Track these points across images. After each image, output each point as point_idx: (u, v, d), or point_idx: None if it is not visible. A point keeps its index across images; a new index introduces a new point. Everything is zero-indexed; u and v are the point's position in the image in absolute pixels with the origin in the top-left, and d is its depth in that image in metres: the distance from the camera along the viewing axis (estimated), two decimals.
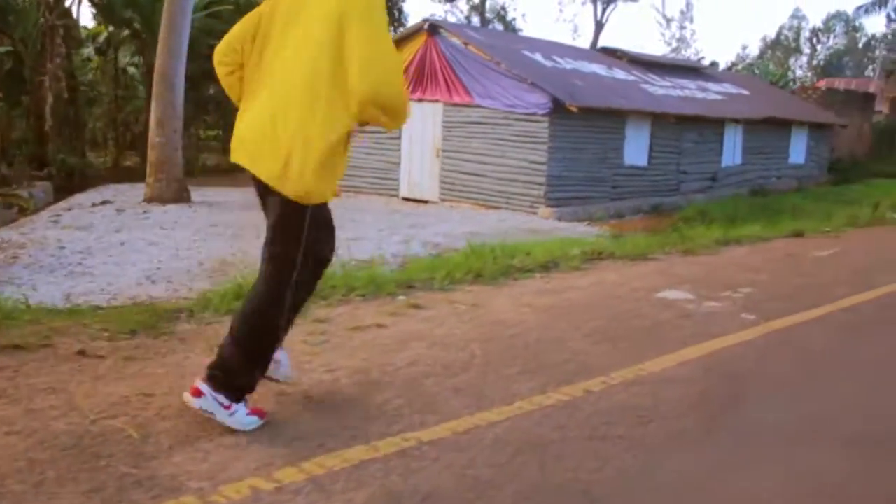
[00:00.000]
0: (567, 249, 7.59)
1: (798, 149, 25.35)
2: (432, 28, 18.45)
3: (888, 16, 53.28)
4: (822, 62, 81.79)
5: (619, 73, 20.90)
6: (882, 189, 22.76)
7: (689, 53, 68.49)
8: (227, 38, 3.31)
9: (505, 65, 17.33)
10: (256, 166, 3.14)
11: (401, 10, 44.64)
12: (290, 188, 3.07)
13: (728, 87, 25.08)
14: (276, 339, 3.33)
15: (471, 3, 53.63)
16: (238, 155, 3.22)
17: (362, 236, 11.66)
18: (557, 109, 16.50)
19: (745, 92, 25.38)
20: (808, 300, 6.16)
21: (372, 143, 19.69)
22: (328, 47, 3.02)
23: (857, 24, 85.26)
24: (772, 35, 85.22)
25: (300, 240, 3.17)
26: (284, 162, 3.04)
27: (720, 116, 21.07)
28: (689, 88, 22.46)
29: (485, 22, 52.30)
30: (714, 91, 23.53)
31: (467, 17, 53.66)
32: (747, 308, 5.80)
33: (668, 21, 70.21)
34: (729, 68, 47.19)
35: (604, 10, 47.37)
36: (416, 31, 18.82)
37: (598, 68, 20.44)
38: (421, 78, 18.58)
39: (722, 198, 20.92)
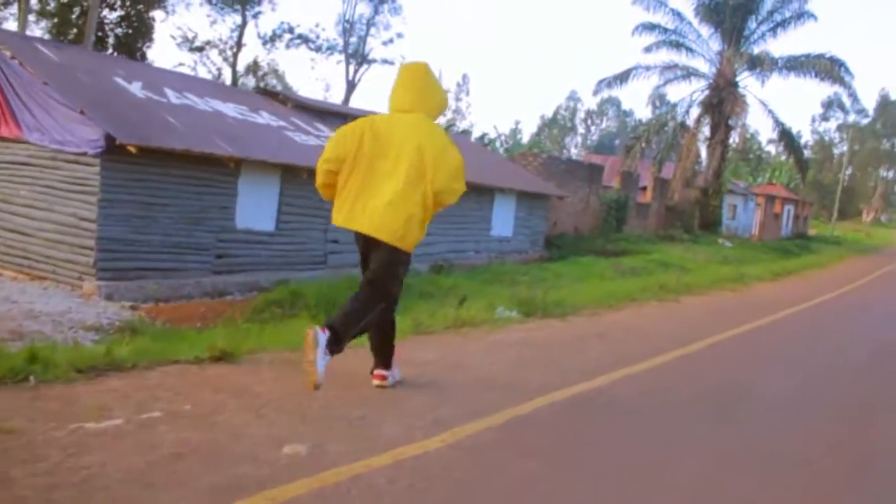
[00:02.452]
0: None
1: (503, 220, 21.79)
2: None
3: (653, 103, 52.56)
4: (594, 142, 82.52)
5: (263, 118, 16.45)
6: (581, 268, 19.47)
7: (464, 125, 66.37)
8: (334, 151, 4.89)
9: (54, 86, 12.46)
10: (381, 232, 4.71)
11: (144, 56, 39.03)
12: (405, 244, 4.77)
13: None
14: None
15: (223, 55, 48.79)
16: (362, 225, 4.78)
17: None
18: (116, 149, 11.73)
19: None
20: None
21: None
22: (417, 161, 4.74)
23: (627, 109, 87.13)
24: (549, 114, 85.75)
25: (400, 277, 4.98)
26: (401, 229, 4.70)
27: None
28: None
29: (235, 77, 47.52)
30: None
31: (219, 69, 48.76)
32: None
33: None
34: (489, 142, 44.38)
35: (356, 71, 43.66)
36: None
37: (230, 108, 15.92)
38: None
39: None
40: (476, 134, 44.61)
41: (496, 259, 20.66)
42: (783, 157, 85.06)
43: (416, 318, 7.76)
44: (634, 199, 30.37)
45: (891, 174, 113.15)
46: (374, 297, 4.82)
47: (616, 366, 6.72)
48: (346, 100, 43.29)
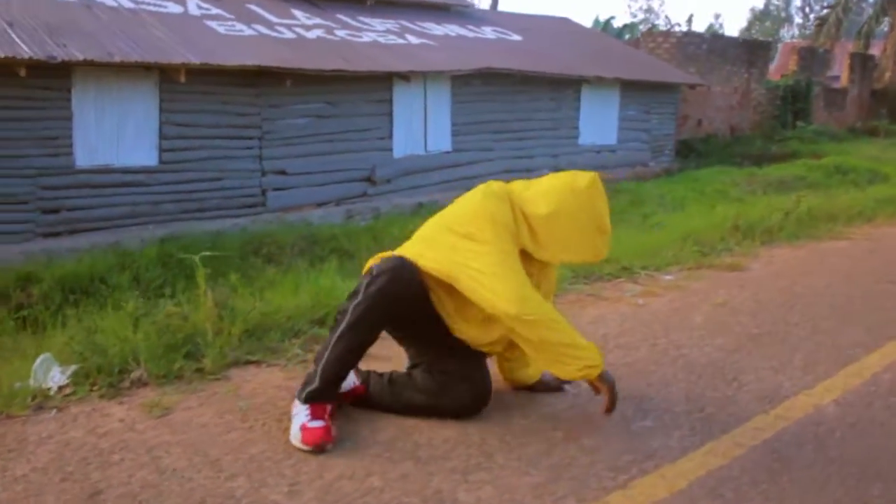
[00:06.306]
0: None
1: (600, 122, 15.25)
2: None
3: None
4: (811, 31, 69.90)
5: (178, 6, 11.10)
6: (696, 185, 12.74)
7: (660, 24, 57.60)
8: None
9: None
10: None
11: None
12: None
13: (485, 32, 15.04)
14: None
15: None
16: None
17: None
18: None
19: (516, 38, 15.26)
20: None
21: None
22: None
23: None
24: (759, 5, 73.50)
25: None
26: None
27: (380, 70, 11.05)
28: (360, 30, 12.55)
29: None
30: (430, 35, 13.51)
31: None
32: None
33: None
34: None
35: None
36: None
37: None
38: None
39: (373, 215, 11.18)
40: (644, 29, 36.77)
41: (604, 177, 14.14)
42: None
43: None
44: (821, 84, 22.14)
45: None
46: None
47: None
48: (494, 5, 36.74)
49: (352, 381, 2.84)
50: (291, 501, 2.21)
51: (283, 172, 10.50)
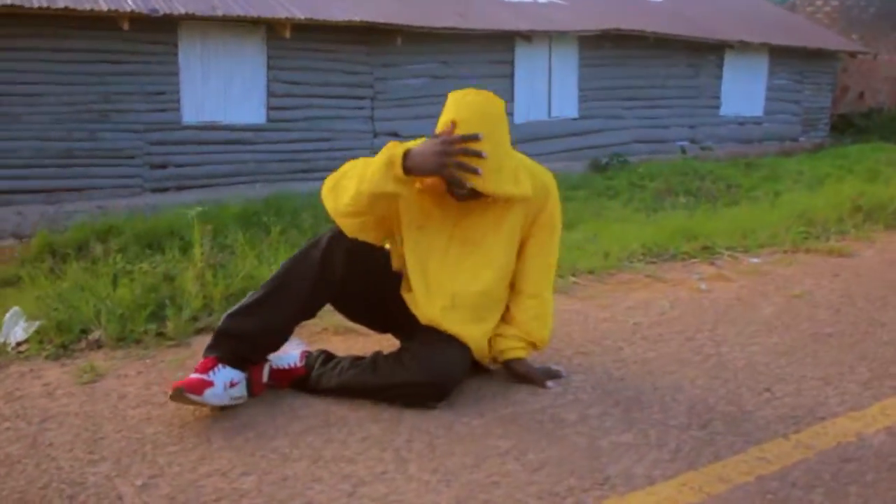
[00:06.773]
0: None
1: (745, 91, 14.09)
2: None
3: None
4: None
5: None
6: (843, 160, 11.65)
7: None
8: None
9: None
10: None
11: None
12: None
13: None
14: None
15: None
16: None
17: None
18: None
19: None
20: None
21: None
22: None
23: None
24: None
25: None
26: None
27: (497, 29, 10.60)
28: None
29: None
30: None
31: None
32: None
33: None
34: None
35: None
36: None
37: None
38: None
39: None
40: None
41: (724, 149, 13.24)
42: None
43: None
44: None
45: None
46: None
47: None
48: None
49: (293, 360, 2.48)
50: (139, 496, 1.84)
51: (395, 134, 10.20)
